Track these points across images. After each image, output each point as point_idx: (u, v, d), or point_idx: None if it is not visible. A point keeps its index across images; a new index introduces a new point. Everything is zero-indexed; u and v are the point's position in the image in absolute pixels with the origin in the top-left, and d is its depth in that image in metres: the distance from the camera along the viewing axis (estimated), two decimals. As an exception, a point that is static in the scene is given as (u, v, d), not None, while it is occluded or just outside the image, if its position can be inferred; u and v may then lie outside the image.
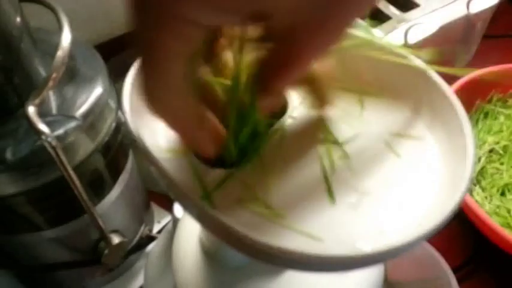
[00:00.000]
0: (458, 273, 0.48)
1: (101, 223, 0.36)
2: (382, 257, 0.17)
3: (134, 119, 0.19)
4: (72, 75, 0.32)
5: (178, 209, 0.30)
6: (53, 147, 0.28)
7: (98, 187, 0.36)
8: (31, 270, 0.38)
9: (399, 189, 0.20)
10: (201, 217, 0.18)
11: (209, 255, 0.26)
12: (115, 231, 0.40)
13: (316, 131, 0.21)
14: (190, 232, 0.28)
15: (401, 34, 0.52)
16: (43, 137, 0.28)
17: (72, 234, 0.37)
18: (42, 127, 0.28)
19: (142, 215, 0.46)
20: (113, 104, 0.35)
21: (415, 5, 0.55)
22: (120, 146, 0.38)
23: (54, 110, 0.30)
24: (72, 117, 0.30)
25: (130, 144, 0.39)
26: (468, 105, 0.56)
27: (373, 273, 0.26)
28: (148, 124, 0.20)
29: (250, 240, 0.16)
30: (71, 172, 0.30)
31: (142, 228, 0.46)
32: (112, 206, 0.39)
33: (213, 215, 0.16)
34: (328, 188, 0.19)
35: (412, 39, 0.51)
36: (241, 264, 0.25)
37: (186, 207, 0.19)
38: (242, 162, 0.19)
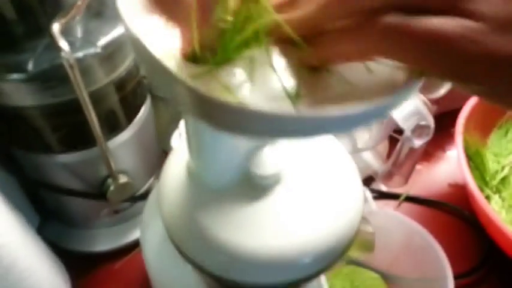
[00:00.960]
0: (468, 278, 0.47)
1: (110, 158, 0.39)
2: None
3: (131, 18, 0.21)
4: (100, 10, 0.35)
5: (175, 138, 0.32)
6: (71, 66, 0.31)
7: (111, 122, 0.39)
8: (37, 185, 0.40)
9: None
10: (174, 87, 0.18)
11: (194, 178, 0.27)
12: (123, 172, 0.42)
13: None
14: (178, 162, 0.29)
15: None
16: (63, 53, 0.30)
17: (82, 164, 0.39)
18: (63, 45, 0.30)
19: (154, 169, 0.48)
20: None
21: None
22: (137, 88, 0.40)
23: (77, 35, 0.33)
24: (93, 44, 0.33)
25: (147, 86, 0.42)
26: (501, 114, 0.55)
27: (353, 207, 0.27)
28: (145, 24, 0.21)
29: (213, 99, 0.16)
30: (85, 94, 0.33)
31: (151, 179, 0.48)
32: (123, 146, 0.41)
33: (184, 81, 0.17)
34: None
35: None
36: (223, 187, 0.26)
37: (162, 81, 0.19)
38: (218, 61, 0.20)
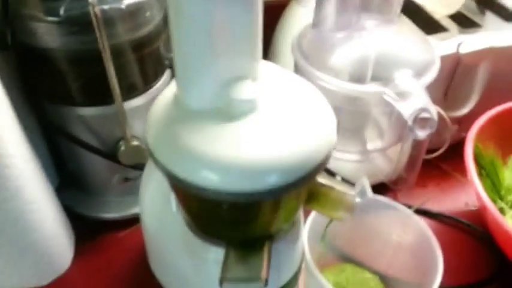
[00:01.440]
0: None
1: (124, 118, 0.42)
2: None
3: None
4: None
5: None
6: (95, 14, 0.35)
7: (129, 82, 0.42)
8: (59, 133, 0.44)
9: None
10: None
11: (178, 101, 0.29)
12: (136, 138, 0.45)
13: None
14: (168, 94, 0.31)
15: (454, 45, 0.52)
16: (90, 1, 0.35)
17: (99, 119, 0.43)
18: (92, -5, 0.35)
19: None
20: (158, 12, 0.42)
21: (476, 25, 0.56)
22: (156, 57, 0.44)
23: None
24: (119, 1, 0.38)
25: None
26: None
27: (322, 135, 0.28)
28: None
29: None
30: (106, 45, 0.37)
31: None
32: (138, 111, 0.44)
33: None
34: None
35: (464, 50, 0.52)
36: (203, 109, 0.28)
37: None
38: None
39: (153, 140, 0.28)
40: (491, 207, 0.42)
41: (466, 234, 0.52)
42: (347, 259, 0.46)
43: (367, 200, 0.41)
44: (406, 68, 0.44)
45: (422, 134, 0.41)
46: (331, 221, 0.39)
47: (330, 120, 0.29)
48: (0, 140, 0.34)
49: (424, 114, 0.41)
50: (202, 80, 0.28)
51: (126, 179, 0.49)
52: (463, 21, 0.57)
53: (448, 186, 0.57)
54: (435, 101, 0.43)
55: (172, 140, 0.27)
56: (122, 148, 0.44)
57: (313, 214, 0.39)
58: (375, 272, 0.45)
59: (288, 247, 0.35)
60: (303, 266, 0.40)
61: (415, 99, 0.41)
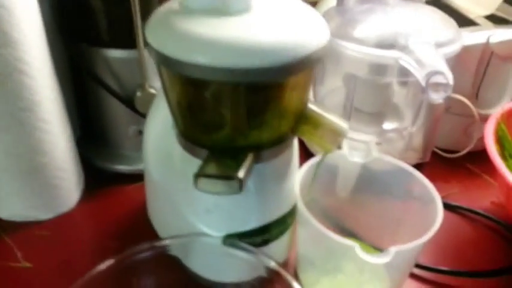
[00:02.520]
0: (490, 278, 0.42)
1: (144, 62, 0.44)
2: None
3: None
4: None
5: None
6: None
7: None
8: (82, 70, 0.47)
9: None
10: None
11: (180, 4, 0.31)
12: (153, 87, 0.47)
13: None
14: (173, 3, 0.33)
15: (485, 36, 0.51)
16: None
17: (122, 63, 0.45)
18: None
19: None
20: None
21: (509, 23, 0.54)
22: None
23: None
24: None
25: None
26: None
27: (313, 37, 0.28)
28: None
29: None
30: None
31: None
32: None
33: None
34: None
35: (495, 40, 0.51)
36: (201, 7, 0.29)
37: None
38: None
39: (150, 29, 0.30)
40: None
41: (487, 228, 0.48)
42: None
43: (373, 160, 0.40)
44: (427, 38, 0.44)
45: (436, 96, 0.40)
46: (323, 159, 0.37)
47: (321, 22, 0.29)
48: (23, 45, 0.37)
49: (439, 79, 0.40)
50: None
51: (140, 132, 0.50)
52: (495, 19, 0.56)
53: (473, 186, 0.54)
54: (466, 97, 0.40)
55: (168, 26, 0.28)
56: (139, 94, 0.46)
57: (309, 161, 0.38)
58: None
59: (275, 174, 0.34)
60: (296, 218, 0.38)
61: (431, 62, 0.40)
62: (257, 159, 0.31)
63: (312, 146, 0.55)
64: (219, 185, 0.28)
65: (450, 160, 0.56)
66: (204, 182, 0.28)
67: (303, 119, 0.32)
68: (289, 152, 0.35)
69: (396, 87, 0.49)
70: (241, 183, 0.28)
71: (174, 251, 0.36)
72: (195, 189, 0.28)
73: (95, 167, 0.52)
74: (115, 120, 0.50)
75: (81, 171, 0.50)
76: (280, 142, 0.32)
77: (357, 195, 0.43)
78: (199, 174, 0.28)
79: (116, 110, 0.48)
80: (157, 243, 0.35)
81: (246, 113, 0.29)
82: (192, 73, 0.27)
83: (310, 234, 0.36)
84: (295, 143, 0.36)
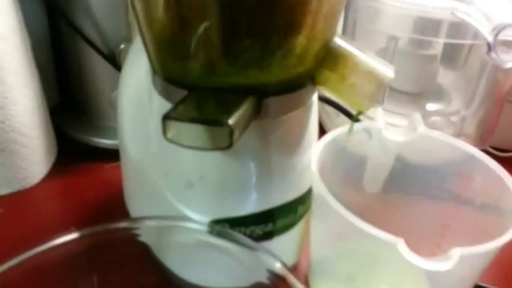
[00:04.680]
0: None
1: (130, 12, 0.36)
2: None
3: None
4: None
5: None
6: None
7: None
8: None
9: None
10: None
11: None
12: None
13: None
14: None
15: None
16: None
17: (105, 9, 0.37)
18: None
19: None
20: None
21: None
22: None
23: None
24: None
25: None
26: None
27: None
28: None
29: None
30: None
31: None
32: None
33: None
34: None
35: None
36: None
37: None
38: None
39: None
40: None
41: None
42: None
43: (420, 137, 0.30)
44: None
45: (507, 58, 0.30)
46: (352, 125, 0.28)
47: None
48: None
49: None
50: None
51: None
52: None
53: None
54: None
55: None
56: (122, 46, 0.38)
57: (334, 131, 0.29)
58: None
59: (285, 138, 0.25)
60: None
61: (499, 12, 0.30)
62: (259, 112, 0.22)
63: (339, 104, 0.43)
64: (196, 133, 0.19)
65: (505, 160, 0.45)
66: (175, 127, 0.19)
67: (328, 59, 0.23)
68: (306, 110, 0.25)
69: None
70: (231, 133, 0.18)
71: (145, 237, 0.27)
72: (171, 150, 0.19)
73: (70, 139, 0.43)
74: (96, 83, 0.41)
75: (53, 141, 0.41)
76: (292, 90, 0.23)
77: (389, 192, 0.33)
78: (169, 116, 0.19)
79: (98, 70, 0.40)
80: (118, 225, 0.26)
81: (243, 29, 0.20)
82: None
83: (332, 228, 0.26)
84: (315, 100, 0.27)
